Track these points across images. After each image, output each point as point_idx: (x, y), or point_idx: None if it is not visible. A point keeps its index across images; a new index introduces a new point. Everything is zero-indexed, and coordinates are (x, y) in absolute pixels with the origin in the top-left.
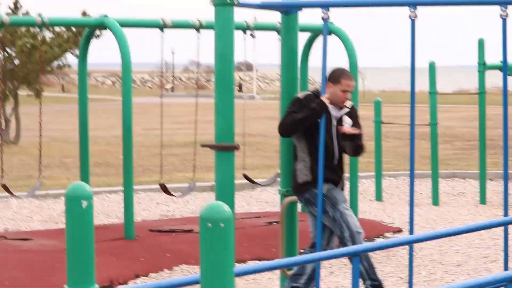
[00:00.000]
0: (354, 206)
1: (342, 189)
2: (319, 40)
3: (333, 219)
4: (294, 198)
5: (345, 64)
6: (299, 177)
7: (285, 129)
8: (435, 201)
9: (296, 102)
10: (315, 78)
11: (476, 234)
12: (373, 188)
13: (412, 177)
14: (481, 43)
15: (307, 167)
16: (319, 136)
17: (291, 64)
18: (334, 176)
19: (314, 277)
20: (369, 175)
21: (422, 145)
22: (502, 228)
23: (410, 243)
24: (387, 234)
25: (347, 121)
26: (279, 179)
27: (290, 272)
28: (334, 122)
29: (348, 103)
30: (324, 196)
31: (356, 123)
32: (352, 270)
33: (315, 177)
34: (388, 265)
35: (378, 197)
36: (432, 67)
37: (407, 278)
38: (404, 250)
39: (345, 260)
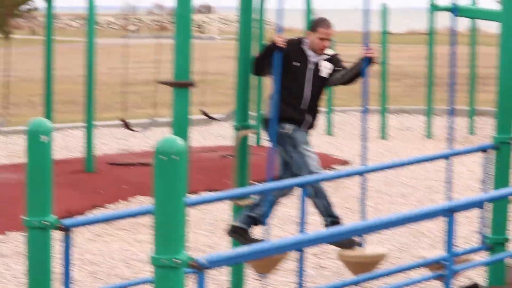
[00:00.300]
0: None
1: (307, 132)
2: None
3: (291, 158)
4: (247, 132)
5: (302, 6)
6: (266, 113)
7: (251, 68)
8: (384, 136)
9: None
10: (273, 20)
11: (421, 166)
12: (324, 123)
13: (365, 110)
14: None
15: (271, 103)
16: (291, 76)
17: (248, 6)
18: (299, 117)
19: (271, 208)
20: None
21: (372, 82)
22: (446, 160)
23: (359, 173)
24: (335, 166)
25: (326, 66)
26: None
27: (242, 202)
28: (311, 66)
29: (330, 51)
30: (287, 136)
31: (339, 68)
32: (300, 201)
33: (278, 115)
34: (335, 196)
35: (329, 131)
36: (384, 9)
37: (354, 209)
38: (351, 182)
39: (296, 192)
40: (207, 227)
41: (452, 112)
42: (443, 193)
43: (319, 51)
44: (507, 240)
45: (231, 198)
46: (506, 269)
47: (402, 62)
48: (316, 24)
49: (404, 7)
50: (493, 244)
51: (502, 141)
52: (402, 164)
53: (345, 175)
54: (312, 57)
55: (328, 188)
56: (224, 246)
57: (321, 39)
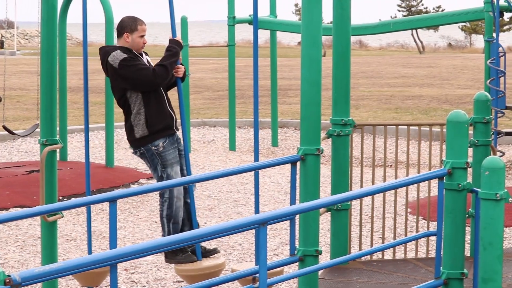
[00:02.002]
0: (110, 154)
1: (176, 133)
2: None
3: (160, 177)
4: (54, 147)
5: (102, 20)
6: (136, 132)
7: (162, 78)
8: (187, 149)
9: (132, 58)
10: (72, 34)
11: (226, 179)
12: None
13: (183, 122)
14: None
15: (142, 120)
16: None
17: (51, 20)
18: (171, 120)
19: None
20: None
21: (173, 95)
22: (250, 173)
23: (167, 187)
24: (141, 181)
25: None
26: (38, 130)
27: (50, 218)
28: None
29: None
30: (158, 154)
31: None
32: (110, 215)
33: (151, 131)
34: (143, 210)
35: None
36: (184, 22)
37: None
38: (157, 196)
39: (102, 205)
40: (17, 243)
41: (257, 124)
42: (249, 205)
43: (140, 50)
44: (319, 252)
45: (40, 214)
46: (318, 281)
47: (202, 75)
48: (133, 23)
49: (203, 20)
50: (304, 256)
51: (308, 153)
52: (208, 178)
53: (154, 190)
54: (144, 57)
55: (134, 202)
56: (35, 262)
57: (141, 36)
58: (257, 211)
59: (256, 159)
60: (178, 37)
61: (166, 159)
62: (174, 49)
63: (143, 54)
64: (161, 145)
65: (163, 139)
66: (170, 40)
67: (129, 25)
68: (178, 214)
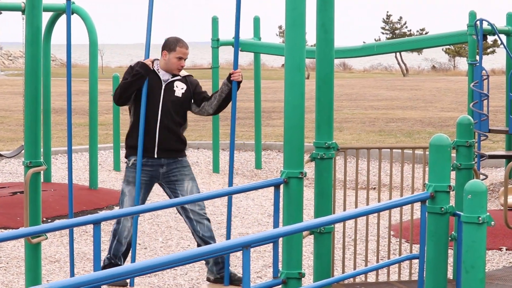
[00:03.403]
0: (93, 176)
1: (165, 159)
2: (61, 19)
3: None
4: (38, 169)
5: (86, 41)
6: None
7: (116, 97)
8: None
9: (128, 70)
10: (56, 55)
11: (209, 201)
12: (112, 159)
13: (141, 144)
14: (214, 20)
15: (128, 131)
16: (143, 100)
17: (35, 41)
18: (152, 145)
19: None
20: (107, 146)
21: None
22: (234, 195)
23: (148, 211)
24: None
25: (179, 86)
26: (23, 151)
27: (34, 240)
28: (164, 86)
29: (183, 72)
30: (127, 168)
31: (198, 87)
32: (94, 238)
33: (128, 145)
34: None
35: (117, 167)
36: None
37: (145, 244)
38: (141, 217)
39: (86, 227)
40: (0, 265)
41: (233, 148)
42: (232, 228)
43: (175, 71)
44: (302, 274)
45: (25, 236)
46: None
47: None
48: (173, 43)
49: (186, 41)
50: (287, 279)
51: (291, 176)
52: (197, 200)
53: (138, 212)
54: (164, 76)
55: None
56: (19, 284)
57: (179, 58)
58: (228, 237)
59: (230, 183)
60: (148, 59)
61: (127, 174)
62: (136, 71)
63: (186, 78)
64: (132, 161)
65: (134, 156)
66: (137, 63)
67: (170, 44)
68: (123, 233)
